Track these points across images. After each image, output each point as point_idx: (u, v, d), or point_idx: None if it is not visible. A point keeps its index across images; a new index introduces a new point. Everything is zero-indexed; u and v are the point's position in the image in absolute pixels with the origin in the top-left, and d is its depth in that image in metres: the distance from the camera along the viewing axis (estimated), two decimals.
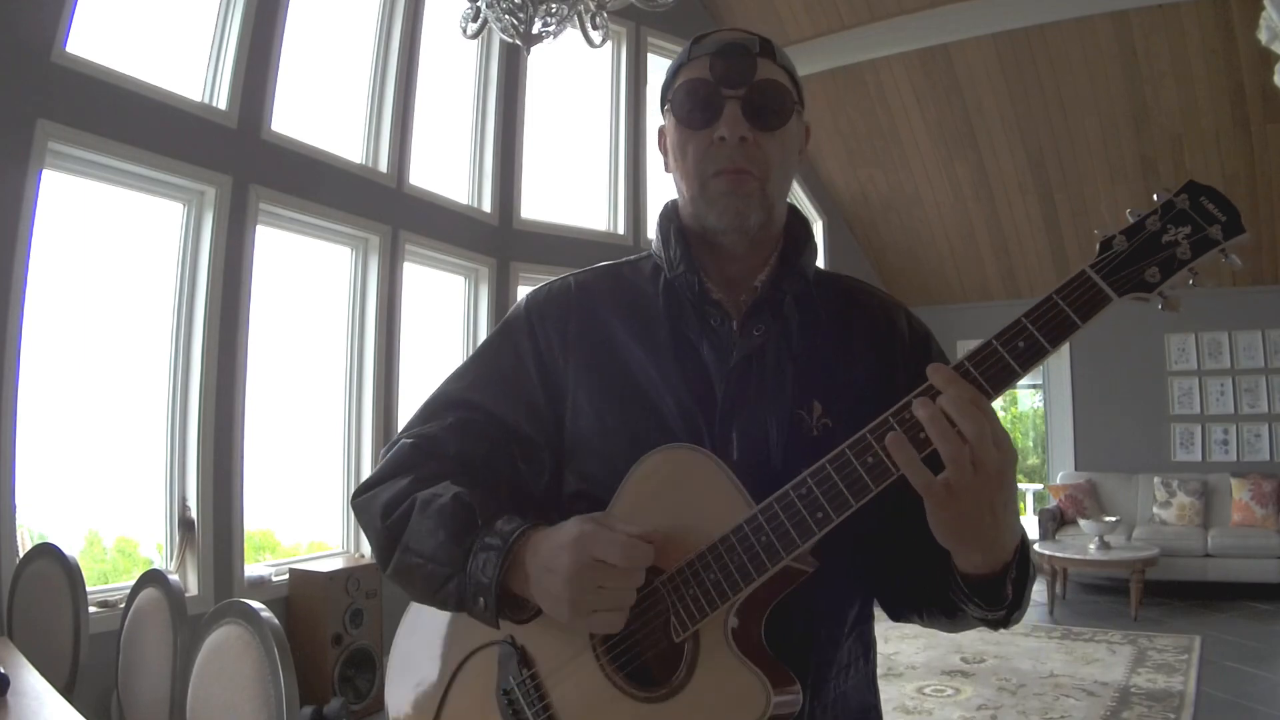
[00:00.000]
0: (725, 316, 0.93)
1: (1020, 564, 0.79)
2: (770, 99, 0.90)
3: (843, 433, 0.81)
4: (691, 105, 0.91)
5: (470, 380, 1.00)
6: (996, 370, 0.72)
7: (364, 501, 0.94)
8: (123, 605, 2.33)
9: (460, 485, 0.88)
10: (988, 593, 0.80)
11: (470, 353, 1.06)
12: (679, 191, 0.98)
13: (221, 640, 1.63)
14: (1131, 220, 0.75)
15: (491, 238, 5.43)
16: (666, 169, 0.99)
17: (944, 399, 0.70)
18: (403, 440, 0.97)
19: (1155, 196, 0.75)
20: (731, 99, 0.89)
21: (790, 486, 0.77)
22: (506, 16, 2.94)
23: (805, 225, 0.99)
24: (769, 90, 0.90)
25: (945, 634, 5.30)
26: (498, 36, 3.46)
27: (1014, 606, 0.81)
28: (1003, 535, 0.75)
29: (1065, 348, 6.36)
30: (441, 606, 0.88)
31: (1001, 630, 0.86)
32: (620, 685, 0.82)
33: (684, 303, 0.94)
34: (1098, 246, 0.75)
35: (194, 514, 3.70)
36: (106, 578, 3.68)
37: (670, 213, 0.99)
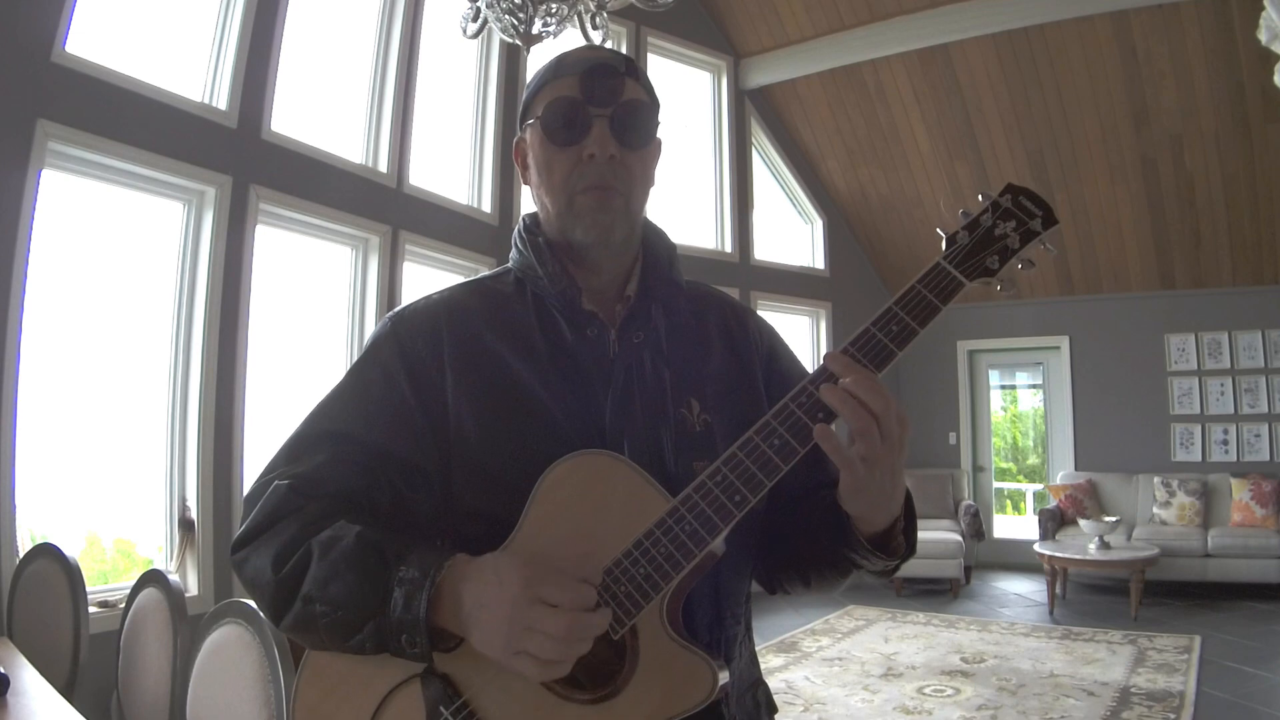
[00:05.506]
0: (601, 327, 0.95)
1: (908, 514, 0.89)
2: (636, 118, 0.94)
3: (720, 425, 0.92)
4: (560, 123, 0.92)
5: (337, 411, 0.94)
6: (877, 351, 0.79)
7: (245, 556, 0.87)
8: (123, 605, 2.33)
9: (357, 524, 0.84)
10: (886, 546, 0.88)
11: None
12: (541, 206, 0.99)
13: (221, 640, 1.63)
14: (966, 219, 0.85)
15: (491, 238, 5.43)
16: (525, 182, 1.01)
17: (849, 382, 0.77)
18: (275, 483, 0.88)
19: (980, 198, 0.86)
20: (599, 117, 0.92)
21: (705, 475, 0.81)
22: (506, 16, 2.94)
23: (663, 236, 1.03)
24: (635, 110, 0.94)
25: (943, 632, 5.27)
26: (498, 36, 3.46)
27: (908, 552, 0.90)
28: (899, 494, 0.84)
29: (1065, 348, 6.31)
30: (356, 652, 0.82)
31: (898, 569, 0.92)
32: (563, 692, 0.81)
33: (556, 315, 0.95)
34: (944, 242, 0.84)
35: (194, 514, 3.70)
36: (106, 578, 3.68)
37: (532, 227, 1.00)
